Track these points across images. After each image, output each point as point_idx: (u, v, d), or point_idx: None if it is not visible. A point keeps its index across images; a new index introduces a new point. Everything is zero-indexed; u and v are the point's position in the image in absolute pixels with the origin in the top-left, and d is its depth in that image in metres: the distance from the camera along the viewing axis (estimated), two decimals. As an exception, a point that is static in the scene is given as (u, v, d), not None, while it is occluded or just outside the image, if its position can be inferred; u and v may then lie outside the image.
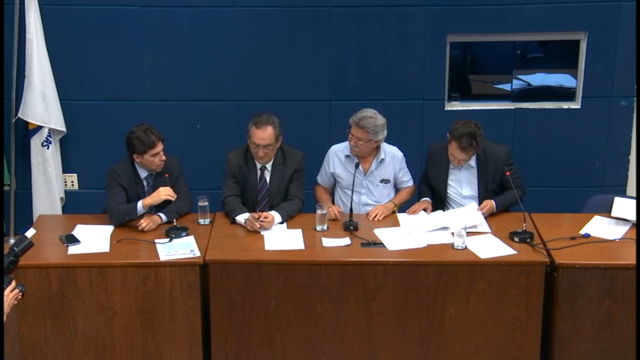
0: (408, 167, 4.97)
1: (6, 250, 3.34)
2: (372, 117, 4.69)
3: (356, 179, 4.76)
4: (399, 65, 5.91)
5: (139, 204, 4.54)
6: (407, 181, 4.97)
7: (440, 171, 4.86)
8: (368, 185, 4.88)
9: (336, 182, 4.97)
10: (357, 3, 5.77)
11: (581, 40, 5.87)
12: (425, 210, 4.77)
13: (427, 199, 4.86)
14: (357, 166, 4.75)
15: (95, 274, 4.20)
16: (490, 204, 4.69)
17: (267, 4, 5.78)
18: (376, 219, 4.70)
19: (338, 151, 4.91)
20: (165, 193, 4.52)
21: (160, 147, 4.58)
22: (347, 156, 4.86)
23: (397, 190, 4.98)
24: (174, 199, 4.53)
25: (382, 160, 4.85)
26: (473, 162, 4.79)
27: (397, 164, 4.90)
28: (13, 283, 3.24)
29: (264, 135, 4.62)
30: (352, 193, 4.73)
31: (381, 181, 4.89)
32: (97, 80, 5.90)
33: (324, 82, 5.95)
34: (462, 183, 4.83)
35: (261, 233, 4.49)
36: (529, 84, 6.18)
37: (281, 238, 4.46)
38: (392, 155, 4.89)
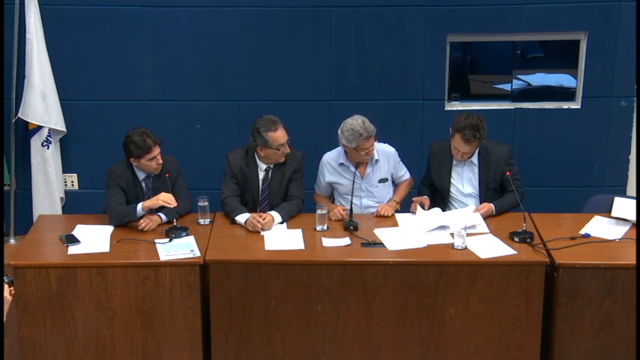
0: (405, 164, 4.96)
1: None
2: (364, 120, 4.66)
3: (354, 184, 4.74)
4: (399, 65, 5.91)
5: (139, 206, 4.52)
6: (404, 174, 4.96)
7: (443, 169, 4.85)
8: (367, 188, 4.87)
9: (333, 190, 4.96)
10: (357, 3, 5.77)
11: (581, 40, 5.87)
12: (422, 205, 4.71)
13: (425, 196, 4.83)
14: (356, 166, 4.74)
15: (95, 274, 4.20)
16: (488, 206, 4.68)
17: (267, 4, 5.78)
18: (386, 214, 4.70)
19: (331, 160, 4.88)
20: (163, 199, 4.49)
21: (156, 151, 4.55)
22: (341, 164, 4.84)
23: (395, 185, 4.98)
24: (172, 207, 4.49)
25: (377, 161, 4.85)
26: (475, 159, 4.79)
27: (392, 160, 4.90)
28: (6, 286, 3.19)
29: (283, 132, 4.64)
30: (352, 197, 4.71)
31: (379, 181, 4.88)
32: (97, 80, 5.91)
33: (324, 82, 5.95)
34: (464, 181, 4.83)
35: (261, 233, 4.49)
36: (529, 84, 6.18)
37: (281, 238, 4.45)
38: (385, 154, 4.88)
